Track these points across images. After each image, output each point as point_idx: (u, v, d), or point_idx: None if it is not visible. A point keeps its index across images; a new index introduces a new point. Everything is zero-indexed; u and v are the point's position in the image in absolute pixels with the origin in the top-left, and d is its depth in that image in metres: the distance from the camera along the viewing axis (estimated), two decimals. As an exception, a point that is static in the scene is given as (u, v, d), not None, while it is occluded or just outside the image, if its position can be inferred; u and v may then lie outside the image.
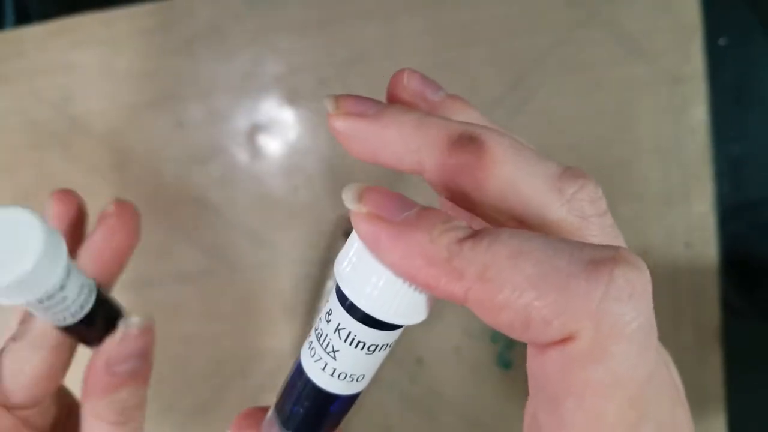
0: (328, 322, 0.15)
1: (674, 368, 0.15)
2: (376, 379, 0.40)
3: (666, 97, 0.38)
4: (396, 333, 0.15)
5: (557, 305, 0.12)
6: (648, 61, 0.38)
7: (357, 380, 0.16)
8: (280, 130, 0.43)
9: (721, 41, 0.38)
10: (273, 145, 0.43)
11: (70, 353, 0.24)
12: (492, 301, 0.12)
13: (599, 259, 0.12)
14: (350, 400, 0.17)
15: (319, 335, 0.16)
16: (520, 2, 0.39)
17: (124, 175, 0.45)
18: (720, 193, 0.38)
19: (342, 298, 0.15)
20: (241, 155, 0.43)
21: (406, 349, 0.41)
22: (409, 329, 0.44)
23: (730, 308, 0.38)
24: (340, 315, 0.15)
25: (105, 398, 0.22)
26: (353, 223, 0.14)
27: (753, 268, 0.38)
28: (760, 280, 0.38)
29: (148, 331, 0.24)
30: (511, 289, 0.12)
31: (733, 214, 0.38)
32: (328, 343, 0.15)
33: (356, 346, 0.15)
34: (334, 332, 0.15)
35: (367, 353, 0.15)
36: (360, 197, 0.14)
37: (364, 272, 0.14)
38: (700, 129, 0.38)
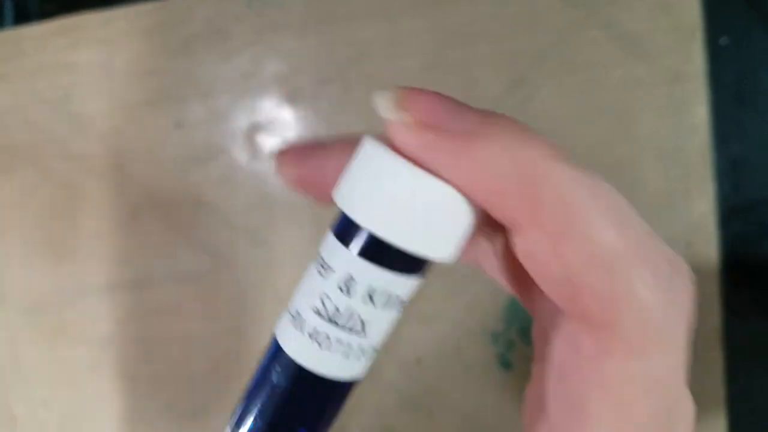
0: (346, 291, 0.11)
1: None
2: (375, 378, 0.39)
3: (666, 97, 0.38)
4: (418, 278, 0.12)
5: (624, 281, 0.10)
6: (648, 61, 0.38)
7: (375, 353, 0.12)
8: (279, 129, 0.43)
9: (722, 41, 0.38)
10: (273, 145, 0.43)
11: None
12: (555, 246, 0.10)
13: (674, 261, 0.11)
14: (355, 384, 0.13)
15: (333, 316, 0.11)
16: (519, 3, 0.39)
17: (124, 173, 0.45)
18: (720, 193, 0.38)
19: (368, 250, 0.11)
20: (241, 155, 0.43)
21: (406, 350, 0.41)
22: (409, 328, 0.43)
23: (730, 308, 0.38)
24: (368, 273, 0.11)
25: None
26: (393, 137, 0.11)
27: (753, 267, 0.38)
28: (760, 279, 0.38)
29: None
30: (589, 242, 0.10)
31: (733, 214, 0.38)
32: (353, 316, 0.11)
33: (391, 306, 0.11)
34: (361, 299, 0.11)
35: (398, 311, 0.12)
36: (401, 103, 0.11)
37: (393, 201, 0.10)
38: (700, 129, 0.38)
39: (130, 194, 0.45)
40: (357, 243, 0.11)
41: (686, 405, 0.12)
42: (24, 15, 0.47)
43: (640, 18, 0.38)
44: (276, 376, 0.12)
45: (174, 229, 0.44)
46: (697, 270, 0.39)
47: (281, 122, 0.43)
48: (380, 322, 0.11)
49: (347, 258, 0.11)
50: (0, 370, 0.48)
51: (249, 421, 0.12)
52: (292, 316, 0.12)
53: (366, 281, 0.11)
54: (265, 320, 0.43)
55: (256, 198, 0.43)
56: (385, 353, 0.41)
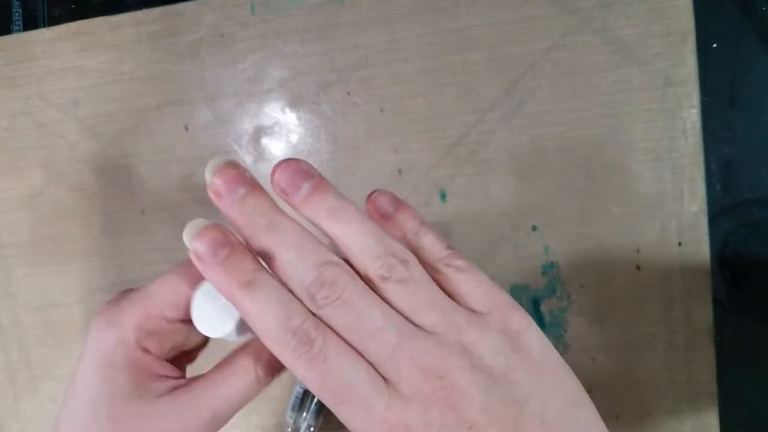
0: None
1: None
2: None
3: (659, 100, 0.38)
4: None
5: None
6: (641, 65, 0.39)
7: None
8: (283, 133, 0.43)
9: (714, 46, 0.38)
10: (276, 148, 0.44)
11: None
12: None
13: None
14: None
15: None
16: (515, 9, 0.40)
17: (132, 176, 0.45)
18: (711, 194, 0.38)
19: None
20: (246, 157, 0.44)
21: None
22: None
23: (721, 306, 0.38)
24: None
25: None
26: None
27: (743, 266, 0.39)
28: (749, 278, 0.39)
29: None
30: None
31: (724, 214, 0.39)
32: None
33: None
34: None
35: None
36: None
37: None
38: (692, 131, 0.38)
39: (137, 195, 0.45)
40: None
41: None
42: (33, 20, 0.47)
43: (633, 23, 0.38)
44: None
45: (180, 229, 0.45)
46: (689, 268, 0.40)
47: (284, 125, 0.43)
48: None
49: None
50: (9, 367, 0.49)
51: None
52: None
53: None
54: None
55: (260, 199, 0.44)
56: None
